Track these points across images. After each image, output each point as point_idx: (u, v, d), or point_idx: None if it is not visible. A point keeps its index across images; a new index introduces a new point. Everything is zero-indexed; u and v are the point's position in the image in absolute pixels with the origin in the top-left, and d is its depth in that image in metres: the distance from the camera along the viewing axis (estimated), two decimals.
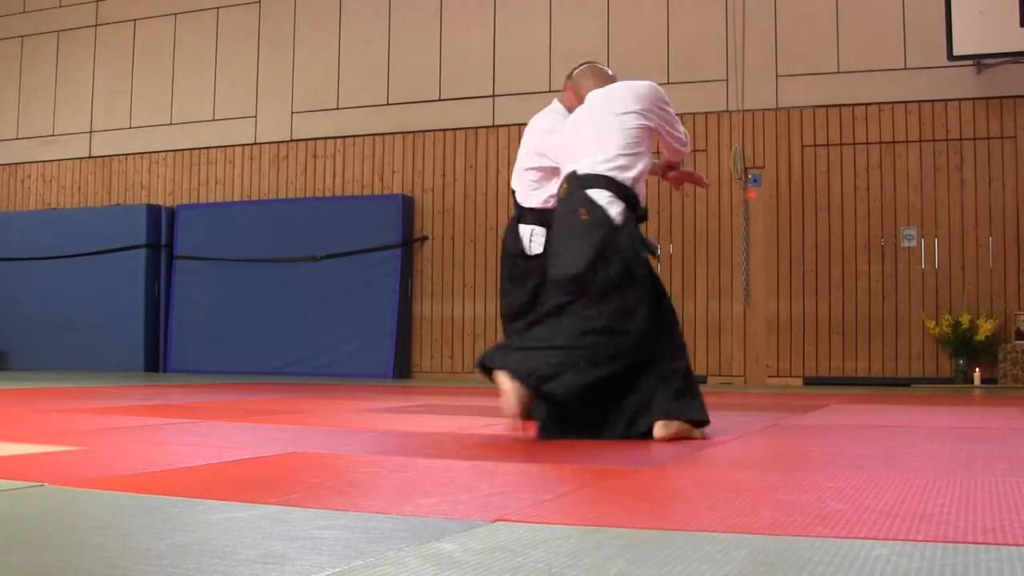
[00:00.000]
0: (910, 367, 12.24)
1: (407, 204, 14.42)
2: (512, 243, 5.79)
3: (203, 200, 15.68)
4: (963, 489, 2.98)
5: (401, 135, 14.63)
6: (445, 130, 14.41)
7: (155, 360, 15.41)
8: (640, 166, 4.98)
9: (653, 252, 4.96)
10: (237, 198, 15.47)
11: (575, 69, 5.65)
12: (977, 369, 11.77)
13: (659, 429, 4.56)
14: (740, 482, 3.20)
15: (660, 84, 14.07)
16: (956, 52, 11.88)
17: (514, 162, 5.99)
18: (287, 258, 14.50)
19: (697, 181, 5.97)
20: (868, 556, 2.01)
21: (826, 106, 12.80)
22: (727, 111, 13.13)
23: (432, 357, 14.26)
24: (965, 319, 11.78)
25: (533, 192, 5.78)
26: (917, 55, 12.48)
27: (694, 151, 13.21)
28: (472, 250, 14.15)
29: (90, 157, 16.70)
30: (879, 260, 12.50)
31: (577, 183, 4.92)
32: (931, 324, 12.03)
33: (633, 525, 2.37)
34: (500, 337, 14.05)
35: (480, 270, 14.07)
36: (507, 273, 5.89)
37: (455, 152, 14.39)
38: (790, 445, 4.69)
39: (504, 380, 4.50)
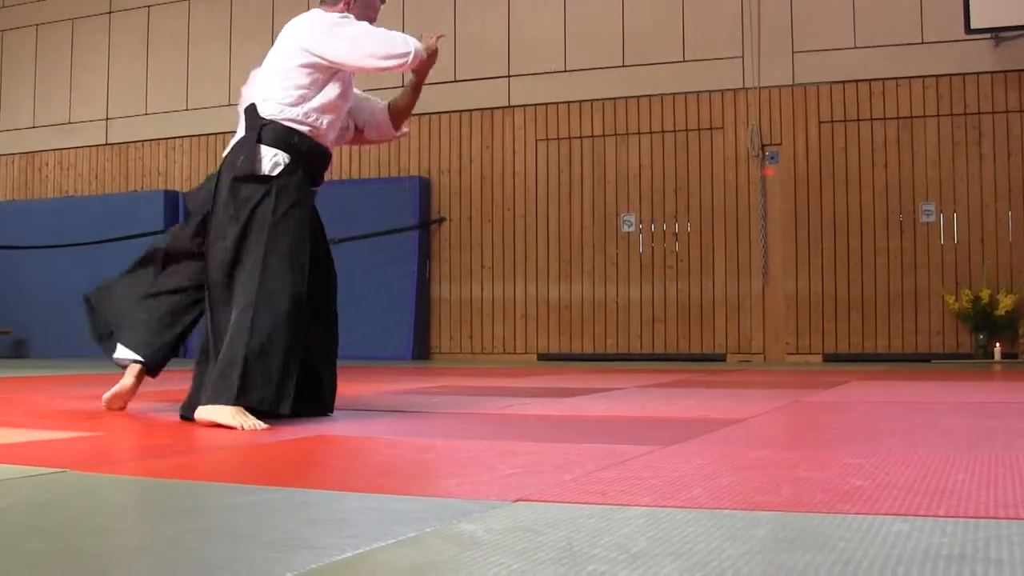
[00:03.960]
0: (930, 343, 12.20)
1: (424, 186, 14.42)
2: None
3: None
4: (984, 465, 2.97)
5: (417, 117, 14.59)
6: (461, 111, 14.38)
7: None
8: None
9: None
10: None
11: None
12: (997, 344, 11.72)
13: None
14: (760, 460, 3.20)
15: (675, 62, 13.97)
16: (973, 25, 11.81)
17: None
18: None
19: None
20: (889, 532, 2.00)
21: (843, 82, 12.74)
22: (743, 88, 13.08)
23: (451, 338, 14.27)
24: (985, 294, 11.73)
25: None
26: (934, 29, 12.40)
27: (711, 128, 13.18)
28: (489, 231, 14.14)
29: (107, 144, 16.73)
30: (898, 236, 12.45)
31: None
32: (951, 299, 11.98)
33: (654, 504, 2.37)
34: (520, 318, 13.99)
35: (498, 251, 14.06)
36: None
37: (471, 133, 14.37)
38: (810, 422, 4.68)
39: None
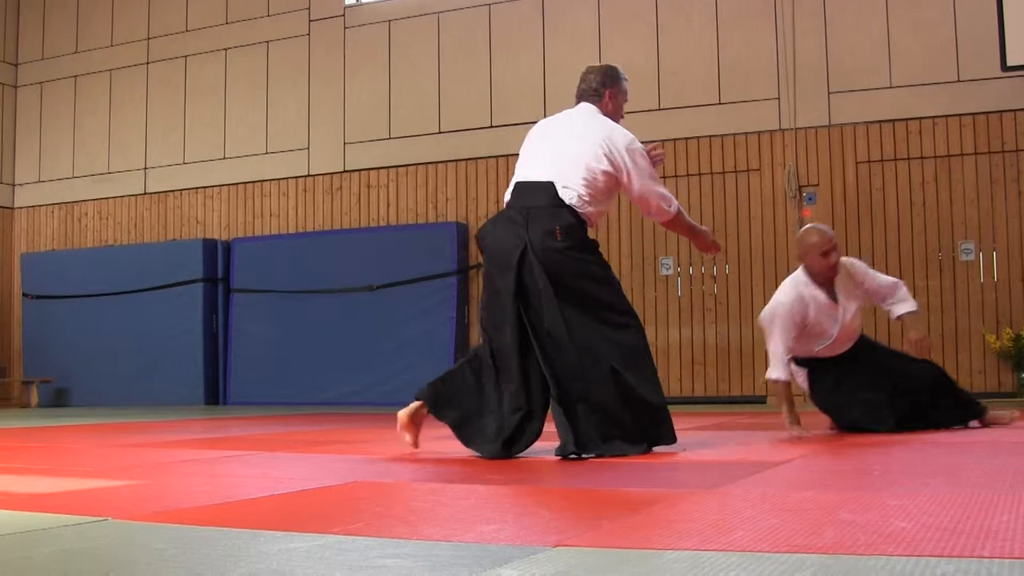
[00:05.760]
0: (971, 382, 12.09)
1: (461, 231, 14.45)
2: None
3: (258, 233, 15.79)
4: None
5: (454, 163, 14.67)
6: (498, 156, 14.41)
7: (215, 393, 15.50)
8: None
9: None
10: (292, 230, 15.56)
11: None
12: None
13: None
14: (801, 502, 3.17)
15: (711, 105, 14.00)
16: (1010, 63, 11.76)
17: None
18: (343, 288, 14.55)
19: None
20: (933, 574, 1.98)
21: (879, 121, 12.71)
22: (779, 130, 13.07)
23: None
24: None
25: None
26: (970, 67, 12.37)
27: (748, 170, 13.17)
28: None
29: (145, 193, 16.87)
30: (937, 275, 12.38)
31: None
32: (991, 338, 11.89)
33: (695, 547, 2.35)
34: None
35: None
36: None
37: (508, 178, 14.31)
38: (851, 463, 4.64)
39: None
